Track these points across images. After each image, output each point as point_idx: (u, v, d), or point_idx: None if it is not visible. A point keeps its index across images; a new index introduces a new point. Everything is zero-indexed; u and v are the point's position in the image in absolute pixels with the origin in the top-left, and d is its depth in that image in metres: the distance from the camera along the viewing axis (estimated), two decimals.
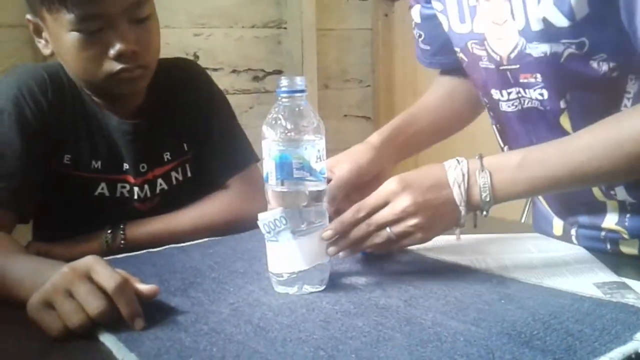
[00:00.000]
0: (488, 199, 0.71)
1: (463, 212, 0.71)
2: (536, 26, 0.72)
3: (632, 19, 0.66)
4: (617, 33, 0.68)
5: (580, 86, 0.74)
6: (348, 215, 0.73)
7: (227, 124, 1.10)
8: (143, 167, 1.02)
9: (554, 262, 0.79)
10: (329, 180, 0.80)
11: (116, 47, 0.90)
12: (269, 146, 0.73)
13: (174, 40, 1.88)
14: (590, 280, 0.70)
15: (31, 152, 0.93)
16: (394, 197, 0.72)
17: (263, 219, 0.71)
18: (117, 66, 0.92)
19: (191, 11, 1.93)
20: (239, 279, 0.77)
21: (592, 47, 0.71)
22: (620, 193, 0.79)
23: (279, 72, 2.14)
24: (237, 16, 2.03)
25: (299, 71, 2.11)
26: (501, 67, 0.79)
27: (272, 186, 0.72)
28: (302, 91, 0.73)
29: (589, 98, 0.75)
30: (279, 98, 0.73)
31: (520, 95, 0.79)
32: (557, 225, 0.91)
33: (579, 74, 0.73)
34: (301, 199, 0.72)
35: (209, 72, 1.94)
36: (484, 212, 0.72)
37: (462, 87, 0.99)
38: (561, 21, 0.70)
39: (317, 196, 0.73)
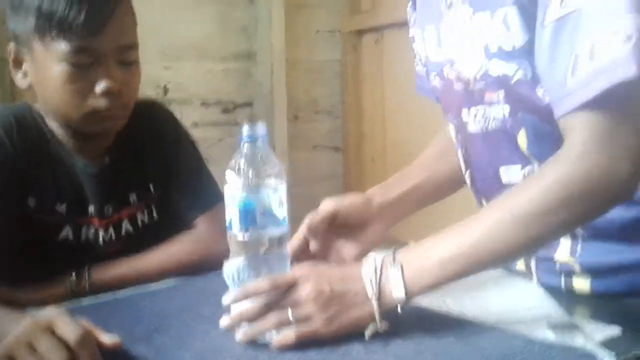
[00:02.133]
0: (400, 294, 0.69)
1: (376, 307, 0.69)
2: (493, 47, 0.76)
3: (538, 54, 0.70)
4: None
5: (530, 110, 0.77)
6: (253, 284, 0.72)
7: (193, 164, 1.12)
8: (108, 210, 1.03)
9: (512, 302, 0.81)
10: None
11: (102, 84, 0.93)
12: (233, 193, 0.74)
13: (144, 73, 1.87)
14: (544, 321, 0.72)
15: None
16: (303, 281, 0.71)
17: (227, 270, 0.73)
18: (101, 103, 0.94)
19: (161, 45, 1.95)
20: (205, 323, 0.78)
21: (535, 75, 0.73)
22: None
23: (248, 104, 2.17)
24: (207, 49, 2.06)
25: (269, 102, 2.14)
26: (469, 88, 0.82)
27: (236, 234, 0.73)
28: (263, 137, 0.75)
29: (538, 123, 0.77)
30: (242, 145, 0.75)
31: (485, 115, 0.82)
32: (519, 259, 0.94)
33: (528, 98, 0.76)
34: (263, 244, 0.73)
35: (178, 105, 2.01)
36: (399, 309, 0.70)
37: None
38: (508, 44, 0.74)
39: (279, 241, 0.75)
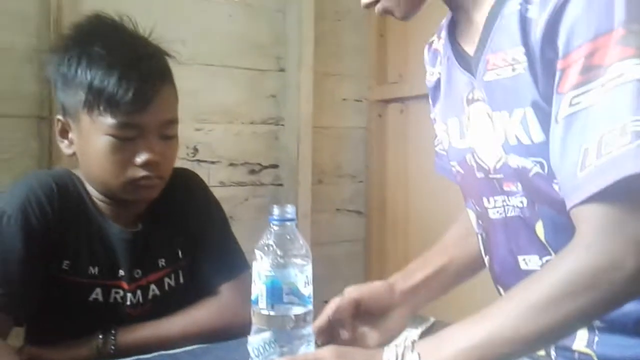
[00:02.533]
0: None
1: None
2: (513, 141, 0.80)
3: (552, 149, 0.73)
4: None
5: (547, 202, 0.80)
6: None
7: (221, 233, 1.16)
8: (137, 273, 1.07)
9: None
10: None
11: (143, 156, 0.99)
12: (260, 271, 0.78)
13: None
14: None
15: (33, 258, 0.98)
16: None
17: (253, 342, 0.76)
18: (140, 173, 1.00)
19: (194, 108, 2.02)
20: None
21: (550, 171, 0.76)
22: None
23: (274, 167, 2.22)
24: (238, 113, 2.12)
25: (294, 166, 2.19)
26: (490, 176, 0.86)
27: (262, 309, 0.77)
28: (292, 220, 0.79)
29: (555, 216, 0.80)
30: (271, 225, 0.79)
31: (505, 203, 0.85)
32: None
33: (545, 191, 0.79)
34: (288, 321, 0.77)
35: (207, 164, 2.07)
36: None
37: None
38: (526, 140, 0.78)
39: (304, 319, 0.78)
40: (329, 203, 2.34)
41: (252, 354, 0.76)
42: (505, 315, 0.71)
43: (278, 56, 2.18)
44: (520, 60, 0.77)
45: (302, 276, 0.77)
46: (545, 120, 0.75)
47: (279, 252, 0.77)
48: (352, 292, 0.94)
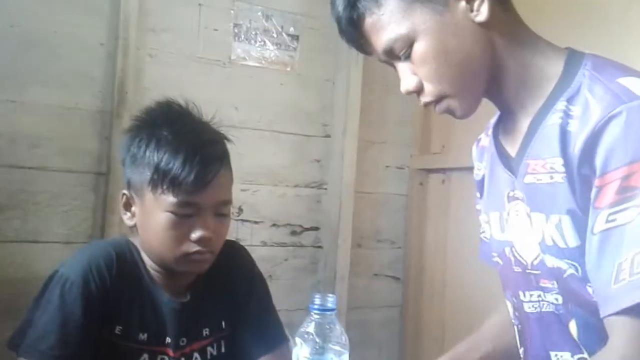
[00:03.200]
0: None
1: None
2: (549, 242, 0.85)
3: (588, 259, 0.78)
4: None
5: (579, 303, 0.84)
6: None
7: (264, 307, 1.22)
8: (183, 341, 1.13)
9: None
10: None
11: (198, 232, 1.07)
12: (299, 356, 0.83)
13: None
14: None
15: (90, 323, 1.05)
16: None
17: None
18: (194, 248, 1.07)
19: (241, 169, 2.11)
20: None
21: (584, 274, 0.81)
22: None
23: (315, 229, 2.28)
24: (283, 176, 2.20)
25: (335, 229, 2.25)
26: (527, 271, 0.90)
27: None
28: (332, 309, 0.84)
29: (586, 317, 0.84)
30: (311, 313, 0.85)
31: (540, 298, 0.89)
32: None
33: (578, 292, 0.83)
34: None
35: (250, 224, 2.14)
36: None
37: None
38: (562, 243, 0.83)
39: None
40: (367, 267, 2.38)
41: None
42: None
43: (324, 123, 2.28)
44: (559, 170, 0.82)
45: None
46: (580, 227, 0.80)
47: (318, 340, 0.82)
48: None
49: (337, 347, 0.83)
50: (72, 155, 1.84)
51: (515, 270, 0.93)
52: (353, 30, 0.90)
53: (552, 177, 0.83)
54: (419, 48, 0.86)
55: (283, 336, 1.20)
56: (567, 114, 0.83)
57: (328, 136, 2.28)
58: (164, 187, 1.05)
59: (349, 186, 2.27)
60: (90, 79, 1.86)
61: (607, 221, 0.76)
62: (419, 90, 0.89)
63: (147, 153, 1.07)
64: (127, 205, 1.13)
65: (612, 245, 0.76)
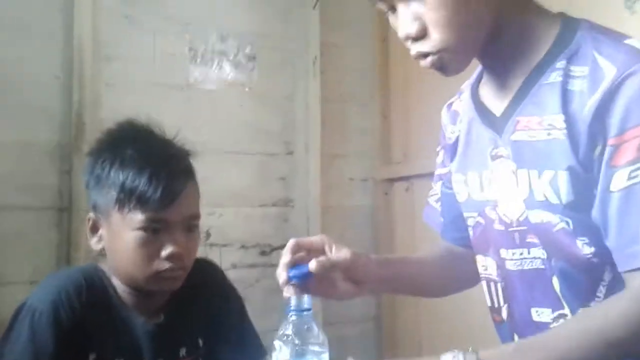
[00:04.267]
0: None
1: None
2: (540, 197, 0.86)
3: (604, 215, 0.80)
4: (596, 224, 0.82)
5: (566, 258, 0.86)
6: None
7: (240, 321, 1.22)
8: None
9: None
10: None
11: (169, 249, 1.07)
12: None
13: None
14: None
15: (62, 353, 1.04)
16: None
17: None
18: (165, 265, 1.07)
19: (206, 193, 2.09)
20: None
21: (576, 228, 0.83)
22: None
23: (284, 247, 2.28)
24: (248, 196, 2.20)
25: None
26: (510, 229, 0.91)
27: None
28: (308, 309, 0.85)
29: (571, 272, 0.86)
30: (288, 316, 0.85)
31: (523, 256, 0.91)
32: None
33: (567, 247, 0.85)
34: None
35: (219, 247, 2.13)
36: None
37: (458, 260, 1.10)
38: (554, 199, 0.84)
39: None
40: None
41: None
42: (577, 345, 0.78)
43: (287, 140, 2.29)
44: (559, 126, 0.84)
45: None
46: (577, 183, 0.82)
47: (297, 342, 0.83)
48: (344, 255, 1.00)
49: (317, 348, 0.84)
50: (31, 191, 1.81)
51: (497, 228, 0.94)
52: None
53: (549, 134, 0.85)
54: None
55: (261, 349, 1.19)
56: (567, 74, 0.84)
57: (291, 153, 2.30)
58: (131, 205, 1.05)
59: (315, 201, 2.28)
60: (47, 113, 1.85)
61: (630, 178, 0.78)
62: (420, 37, 0.87)
63: (112, 173, 1.07)
64: (94, 229, 1.12)
65: (637, 202, 0.78)
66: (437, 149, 1.14)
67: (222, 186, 2.14)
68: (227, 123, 2.16)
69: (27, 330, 1.03)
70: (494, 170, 0.94)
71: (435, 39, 0.86)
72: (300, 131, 2.29)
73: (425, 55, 0.88)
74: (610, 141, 0.80)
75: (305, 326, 0.85)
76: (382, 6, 0.91)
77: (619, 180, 0.79)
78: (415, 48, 0.88)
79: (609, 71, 0.81)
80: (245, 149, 2.20)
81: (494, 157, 0.93)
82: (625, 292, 0.81)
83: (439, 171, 1.12)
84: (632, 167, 0.78)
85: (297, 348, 0.83)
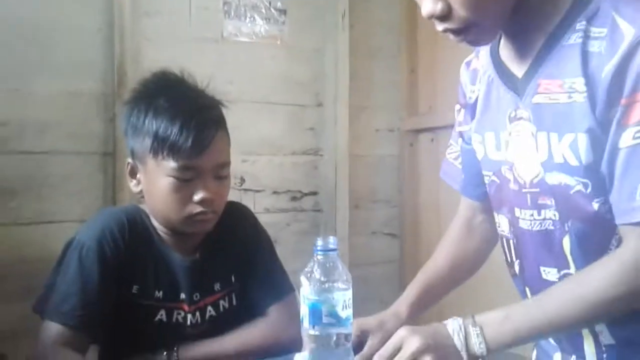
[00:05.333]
0: (483, 348, 0.82)
1: (465, 358, 0.82)
2: (559, 159, 0.84)
3: (611, 170, 0.80)
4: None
5: (581, 218, 0.85)
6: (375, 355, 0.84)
7: (269, 260, 1.24)
8: (196, 297, 1.16)
9: None
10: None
11: (200, 194, 1.08)
12: (305, 295, 0.85)
13: None
14: None
15: (107, 284, 1.08)
16: (407, 341, 0.83)
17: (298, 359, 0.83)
18: (197, 209, 1.09)
19: (240, 141, 2.08)
20: None
21: (594, 189, 0.82)
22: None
23: (314, 194, 2.30)
24: (280, 145, 2.22)
25: (332, 193, 2.27)
26: (524, 190, 0.90)
27: (306, 329, 0.84)
28: (334, 250, 0.86)
29: (586, 231, 0.85)
30: (315, 255, 0.87)
31: (533, 217, 0.90)
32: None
33: (582, 208, 0.84)
34: (329, 340, 0.84)
35: (252, 193, 2.16)
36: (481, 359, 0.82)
37: (480, 218, 1.11)
38: (574, 161, 0.82)
39: (345, 338, 0.85)
40: (365, 227, 2.40)
41: None
42: (564, 305, 0.81)
43: (316, 92, 2.28)
44: (580, 89, 0.81)
45: (340, 300, 0.85)
46: (596, 145, 0.80)
47: (322, 279, 0.85)
48: (362, 325, 0.99)
49: (341, 284, 0.86)
50: (79, 138, 1.85)
51: (512, 188, 0.93)
52: None
53: (570, 97, 0.82)
54: None
55: (289, 286, 1.22)
56: (587, 35, 0.81)
57: (320, 104, 2.29)
58: (164, 153, 1.06)
59: (344, 151, 2.28)
60: (91, 64, 1.87)
61: (634, 138, 0.76)
62: (445, 15, 0.82)
63: (146, 122, 1.08)
64: (132, 173, 1.15)
65: (638, 161, 0.76)
66: (457, 107, 1.11)
67: (255, 135, 2.16)
68: (259, 75, 2.16)
69: (75, 263, 1.07)
70: (512, 131, 0.92)
71: (460, 17, 0.82)
72: (330, 83, 2.27)
73: (453, 31, 0.84)
74: (623, 101, 0.77)
75: (331, 264, 0.86)
76: None
77: (626, 139, 0.77)
78: (441, 25, 0.85)
79: (628, 32, 0.77)
80: (276, 99, 2.20)
81: (513, 119, 0.91)
82: (614, 253, 0.81)
83: (459, 129, 1.10)
84: (639, 127, 0.76)
85: (320, 285, 0.84)
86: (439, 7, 0.82)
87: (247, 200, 2.15)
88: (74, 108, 1.84)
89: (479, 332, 0.82)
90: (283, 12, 2.19)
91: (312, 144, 2.29)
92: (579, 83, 0.81)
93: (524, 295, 0.98)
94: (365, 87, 2.36)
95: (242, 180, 2.15)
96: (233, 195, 1.85)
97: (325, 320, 0.83)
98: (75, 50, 1.84)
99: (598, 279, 0.80)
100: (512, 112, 0.91)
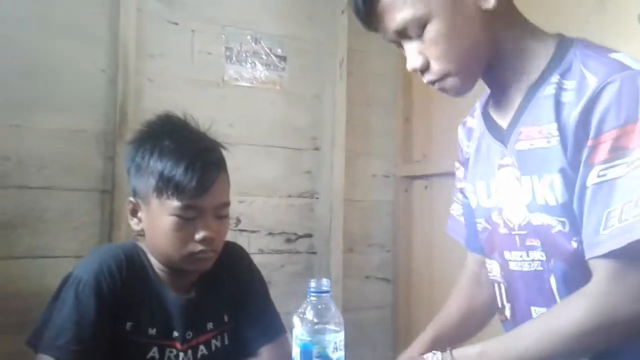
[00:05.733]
0: None
1: None
2: (541, 201, 0.90)
3: (580, 208, 0.84)
4: None
5: (563, 258, 0.89)
6: None
7: (263, 301, 1.25)
8: (189, 335, 1.16)
9: None
10: None
11: (202, 233, 1.11)
12: (297, 335, 0.86)
13: None
14: None
15: (103, 320, 1.08)
16: None
17: None
18: (198, 247, 1.11)
19: (238, 183, 2.11)
20: None
21: (571, 227, 0.87)
22: None
23: (309, 236, 2.32)
24: (277, 187, 2.24)
25: (327, 235, 2.29)
26: (513, 232, 0.95)
27: None
28: (327, 292, 0.88)
29: (567, 270, 0.89)
30: (308, 296, 0.88)
31: (522, 258, 0.95)
32: None
33: (563, 247, 0.88)
34: None
35: (248, 233, 2.17)
36: None
37: (483, 279, 1.13)
38: (553, 201, 0.88)
39: None
40: (358, 270, 2.41)
41: None
42: (536, 341, 0.84)
43: (314, 136, 2.32)
44: (554, 134, 0.88)
45: (331, 342, 0.85)
46: (569, 184, 0.86)
47: (314, 320, 0.86)
48: None
49: (333, 326, 0.87)
50: (78, 174, 1.87)
51: (502, 232, 0.98)
52: (368, 8, 0.91)
53: (548, 142, 0.88)
54: (432, 29, 0.89)
55: (282, 327, 1.23)
56: (560, 87, 0.88)
57: (317, 149, 2.32)
58: (169, 192, 1.08)
59: (339, 195, 2.31)
60: (93, 103, 1.90)
61: (599, 175, 0.82)
62: (425, 69, 0.93)
63: (151, 162, 1.11)
64: (134, 212, 1.17)
65: (603, 196, 0.81)
66: (456, 165, 1.16)
67: (253, 177, 2.19)
68: (259, 118, 2.20)
69: (72, 298, 1.08)
70: (500, 178, 0.97)
71: (436, 70, 0.92)
72: (327, 129, 2.31)
73: (432, 82, 0.94)
74: (589, 142, 0.83)
75: (324, 306, 0.87)
76: (393, 42, 0.96)
77: (592, 177, 0.83)
78: (424, 78, 0.95)
79: (592, 82, 0.85)
80: (275, 143, 2.24)
81: (500, 167, 0.97)
82: (584, 287, 0.84)
83: (459, 185, 1.15)
84: (603, 166, 0.82)
85: (314, 325, 0.85)
86: (419, 62, 0.92)
87: (243, 241, 2.16)
88: (74, 145, 1.87)
89: None
90: (283, 58, 2.25)
91: (309, 187, 2.32)
92: (553, 128, 0.87)
93: None
94: (361, 133, 2.40)
95: (238, 220, 2.16)
96: (229, 235, 1.86)
97: None
98: (79, 89, 1.87)
99: (568, 313, 0.83)
100: (499, 160, 0.97)
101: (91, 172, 1.89)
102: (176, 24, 2.04)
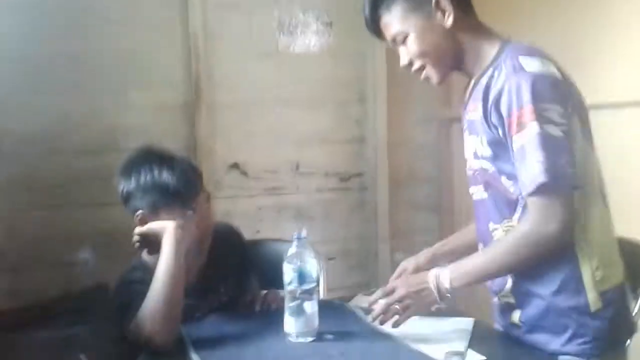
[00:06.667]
0: (447, 286, 1.27)
1: (436, 295, 1.28)
2: (480, 152, 1.30)
3: (519, 164, 1.21)
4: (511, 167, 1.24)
5: (496, 191, 1.30)
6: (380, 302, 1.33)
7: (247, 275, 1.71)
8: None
9: (437, 332, 1.34)
10: None
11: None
12: (287, 268, 1.33)
13: (284, 155, 2.58)
14: (447, 348, 1.24)
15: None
16: (398, 288, 1.32)
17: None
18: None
19: (296, 134, 2.57)
20: None
21: (499, 171, 1.27)
22: None
23: (359, 175, 2.72)
24: (329, 135, 2.64)
25: (374, 174, 2.69)
26: (472, 173, 1.37)
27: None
28: (304, 237, 1.34)
29: (502, 197, 1.29)
30: (293, 241, 1.34)
31: (478, 189, 1.36)
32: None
33: (496, 184, 1.29)
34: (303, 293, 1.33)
35: (307, 175, 2.61)
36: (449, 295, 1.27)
37: None
38: (484, 153, 1.29)
39: (312, 291, 1.33)
40: (405, 203, 2.80)
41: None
42: (495, 255, 1.27)
43: (359, 90, 2.68)
44: (480, 110, 1.27)
45: (312, 269, 1.31)
46: (493, 142, 1.26)
47: (298, 258, 1.32)
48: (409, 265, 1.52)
49: (310, 260, 1.33)
50: (168, 139, 2.33)
51: (469, 173, 1.40)
52: (374, 25, 1.37)
53: (479, 115, 1.27)
54: (410, 39, 1.32)
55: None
56: (491, 77, 1.26)
57: (363, 100, 2.68)
58: (175, 205, 1.47)
59: (383, 139, 2.68)
60: (173, 82, 2.38)
61: (515, 142, 1.20)
62: (410, 64, 1.36)
63: (154, 181, 1.46)
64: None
65: (521, 156, 1.19)
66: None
67: (308, 128, 2.60)
68: (310, 79, 2.58)
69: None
70: (465, 136, 1.38)
71: (416, 65, 1.36)
72: (370, 82, 2.65)
73: (417, 72, 1.36)
74: (505, 121, 1.21)
75: (302, 248, 1.33)
76: (392, 45, 1.38)
77: (515, 144, 1.20)
78: (411, 70, 1.36)
79: (502, 77, 1.22)
80: (326, 98, 2.62)
81: (464, 129, 1.37)
82: (520, 224, 1.24)
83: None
84: (517, 136, 1.19)
85: (297, 261, 1.31)
86: (405, 60, 1.36)
87: (302, 182, 2.61)
88: (162, 116, 2.37)
89: (447, 275, 1.27)
90: (329, 24, 2.61)
91: (357, 133, 2.70)
92: (480, 106, 1.26)
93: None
94: (402, 84, 2.69)
95: (297, 165, 2.61)
96: (290, 179, 2.41)
97: (300, 281, 1.32)
98: (160, 71, 2.35)
99: (506, 244, 1.25)
100: (465, 125, 1.37)
101: (177, 137, 2.38)
102: (235, 7, 2.45)
